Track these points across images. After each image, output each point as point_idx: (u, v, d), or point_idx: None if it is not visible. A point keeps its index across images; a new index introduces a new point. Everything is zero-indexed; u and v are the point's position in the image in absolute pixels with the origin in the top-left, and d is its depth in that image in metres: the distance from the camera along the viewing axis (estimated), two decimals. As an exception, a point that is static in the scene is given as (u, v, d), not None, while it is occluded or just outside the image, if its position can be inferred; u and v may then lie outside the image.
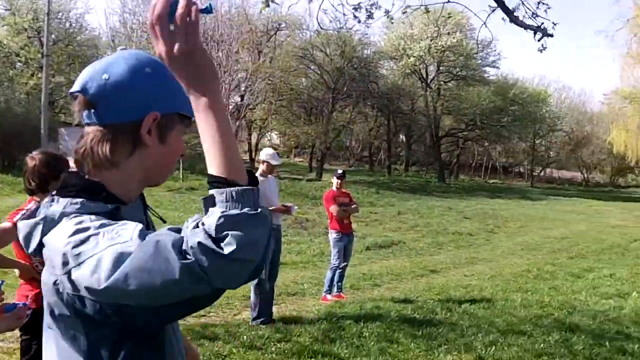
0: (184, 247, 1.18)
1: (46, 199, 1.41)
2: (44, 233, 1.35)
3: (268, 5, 6.69)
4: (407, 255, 14.57)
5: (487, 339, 6.91)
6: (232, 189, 1.23)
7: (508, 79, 47.65)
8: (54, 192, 1.42)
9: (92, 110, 1.40)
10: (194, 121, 1.37)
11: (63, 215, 1.35)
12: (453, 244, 16.76)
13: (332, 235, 9.21)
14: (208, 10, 1.34)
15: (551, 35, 6.50)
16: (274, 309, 7.73)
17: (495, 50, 44.60)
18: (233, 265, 1.19)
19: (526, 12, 6.59)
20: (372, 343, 6.55)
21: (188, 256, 1.17)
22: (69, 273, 1.25)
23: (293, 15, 37.41)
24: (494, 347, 6.55)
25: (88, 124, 1.42)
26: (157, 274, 1.18)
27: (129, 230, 1.25)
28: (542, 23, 6.47)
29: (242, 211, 1.21)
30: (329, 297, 8.92)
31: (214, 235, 1.18)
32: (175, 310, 1.27)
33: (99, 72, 1.40)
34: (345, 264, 9.27)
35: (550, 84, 57.22)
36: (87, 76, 1.41)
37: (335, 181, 9.38)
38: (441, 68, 42.87)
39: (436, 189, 36.41)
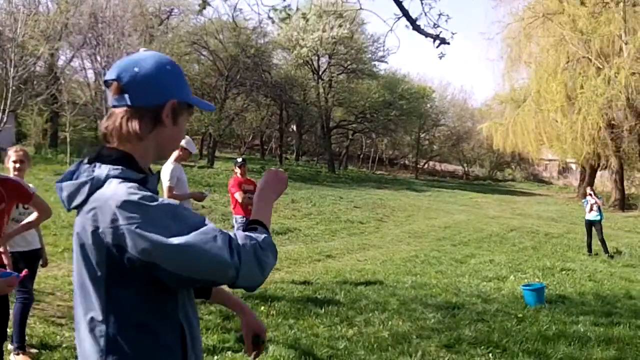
0: (233, 246, 1.66)
1: (85, 165, 1.79)
2: (91, 190, 1.71)
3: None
4: (302, 241, 15.10)
5: (383, 315, 7.55)
6: (267, 232, 1.85)
7: (396, 74, 49.21)
8: (87, 160, 1.80)
9: (125, 95, 1.78)
10: (195, 109, 1.96)
11: (108, 177, 1.71)
12: (345, 231, 17.46)
13: (237, 219, 9.54)
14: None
15: (448, 43, 7.16)
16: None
17: (384, 46, 46.02)
18: (257, 271, 1.71)
19: (428, 22, 7.21)
20: (281, 320, 7.02)
21: (234, 255, 1.64)
22: (115, 228, 1.61)
23: (187, 0, 37.15)
24: (390, 322, 7.18)
25: (116, 106, 1.80)
26: (208, 256, 1.62)
27: (188, 213, 1.72)
28: (441, 32, 7.12)
29: (274, 243, 1.81)
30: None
31: (260, 240, 1.73)
32: (195, 283, 1.75)
33: (130, 66, 1.80)
34: (249, 247, 9.63)
35: (433, 79, 59.43)
36: (121, 68, 1.81)
37: (238, 170, 9.70)
38: (332, 60, 43.60)
39: (327, 178, 37.24)
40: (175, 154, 7.99)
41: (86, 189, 1.72)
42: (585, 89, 26.61)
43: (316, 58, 42.91)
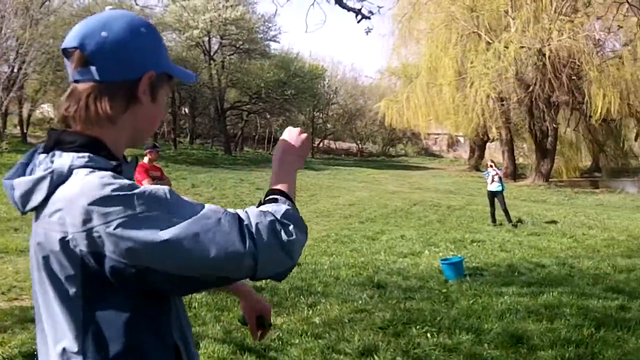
0: (244, 228, 1.29)
1: (42, 155, 1.38)
2: (52, 187, 1.31)
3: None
4: (209, 227, 14.61)
5: (309, 300, 7.28)
6: (290, 202, 1.45)
7: (289, 53, 48.96)
8: (43, 148, 1.39)
9: (90, 67, 1.38)
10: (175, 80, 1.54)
11: (72, 168, 1.33)
12: (252, 214, 17.09)
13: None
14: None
15: (369, 18, 6.94)
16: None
17: (276, 25, 45.51)
18: (282, 254, 1.33)
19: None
20: (205, 312, 6.62)
21: (246, 240, 1.28)
22: (89, 230, 1.23)
23: (68, -20, 35.26)
24: (318, 307, 6.94)
25: (79, 81, 1.40)
26: (213, 247, 1.25)
27: (180, 198, 1.32)
28: (362, 6, 6.89)
29: (300, 216, 1.41)
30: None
31: (280, 215, 1.34)
32: (202, 285, 1.36)
33: (96, 29, 1.39)
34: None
35: (325, 58, 59.56)
36: (84, 32, 1.40)
37: (150, 156, 9.12)
38: (224, 41, 42.78)
39: (224, 161, 36.63)
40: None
41: (45, 185, 1.31)
42: (476, 63, 27.41)
43: (207, 39, 41.92)
